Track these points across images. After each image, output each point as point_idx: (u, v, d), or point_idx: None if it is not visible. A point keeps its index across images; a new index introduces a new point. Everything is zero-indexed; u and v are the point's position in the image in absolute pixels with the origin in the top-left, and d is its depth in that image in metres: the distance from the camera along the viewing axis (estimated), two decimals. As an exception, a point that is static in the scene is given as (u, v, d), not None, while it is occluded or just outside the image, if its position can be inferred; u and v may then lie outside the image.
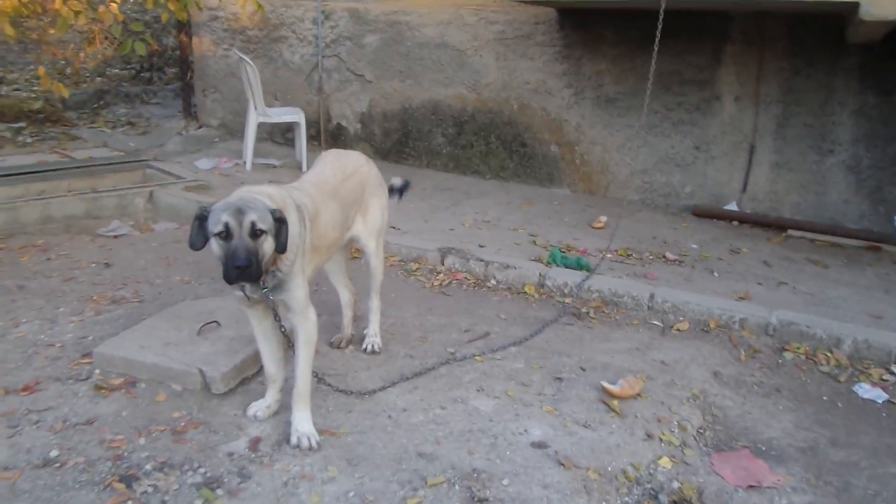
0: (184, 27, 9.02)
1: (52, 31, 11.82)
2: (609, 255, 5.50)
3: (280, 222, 2.75)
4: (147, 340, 3.63)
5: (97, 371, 3.49)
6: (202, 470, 2.85)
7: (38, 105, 9.29)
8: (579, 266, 5.12)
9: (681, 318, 4.52)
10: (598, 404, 3.47)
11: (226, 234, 2.65)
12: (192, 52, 9.15)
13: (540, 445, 3.12)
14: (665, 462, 3.07)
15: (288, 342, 3.15)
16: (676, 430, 3.32)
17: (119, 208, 6.25)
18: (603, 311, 4.64)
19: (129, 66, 11.96)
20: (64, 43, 12.03)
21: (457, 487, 2.81)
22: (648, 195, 7.00)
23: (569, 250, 5.58)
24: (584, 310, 4.64)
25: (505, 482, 2.85)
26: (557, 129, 7.21)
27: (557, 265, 5.13)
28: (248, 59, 7.35)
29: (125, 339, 3.64)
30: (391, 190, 4.06)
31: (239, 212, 2.65)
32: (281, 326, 3.09)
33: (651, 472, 3.01)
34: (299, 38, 8.38)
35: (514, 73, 7.29)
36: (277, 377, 3.23)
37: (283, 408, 3.22)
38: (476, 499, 2.74)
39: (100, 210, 6.12)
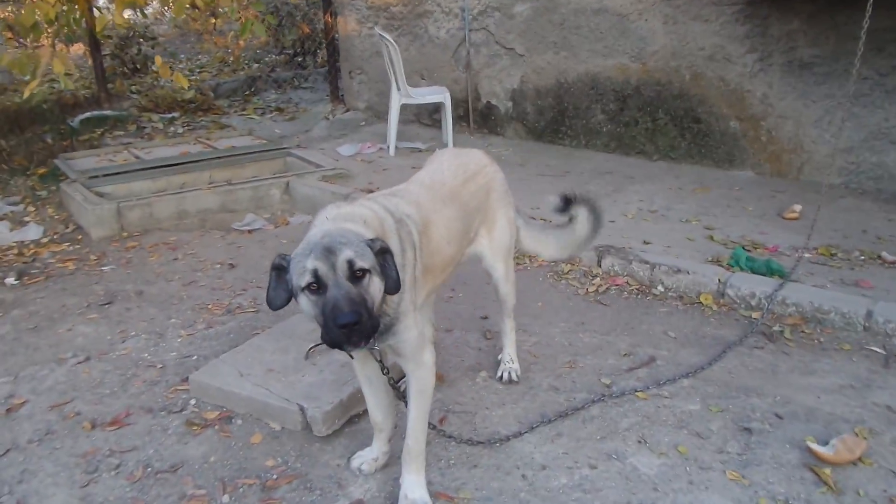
0: (329, 6, 8.68)
1: (213, 21, 12.03)
2: (807, 255, 4.47)
3: (383, 254, 2.13)
4: (249, 365, 3.17)
5: (192, 402, 3.08)
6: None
7: (191, 95, 9.34)
8: (770, 271, 4.15)
9: (911, 345, 3.49)
10: (804, 472, 2.60)
11: (317, 285, 2.01)
12: (337, 33, 8.80)
13: (723, 534, 2.32)
14: (904, 567, 2.18)
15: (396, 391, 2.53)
16: (920, 519, 2.40)
17: (254, 200, 5.95)
18: (802, 332, 3.68)
19: (283, 52, 11.93)
20: (224, 32, 12.23)
21: None
22: (854, 178, 5.78)
23: (755, 248, 4.60)
24: (777, 328, 3.71)
25: None
26: (738, 102, 6.13)
27: (742, 269, 4.20)
28: (389, 37, 6.83)
29: (225, 364, 3.19)
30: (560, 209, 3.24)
31: (328, 252, 2.01)
32: (388, 376, 2.47)
33: (887, 586, 2.13)
34: (444, 11, 7.76)
35: (686, 38, 6.26)
36: (385, 426, 2.64)
37: (393, 459, 2.64)
38: None
39: (235, 203, 5.86)
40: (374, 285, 2.08)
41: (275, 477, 2.62)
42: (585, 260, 4.52)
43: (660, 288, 4.20)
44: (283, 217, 5.83)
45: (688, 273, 4.14)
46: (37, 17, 3.81)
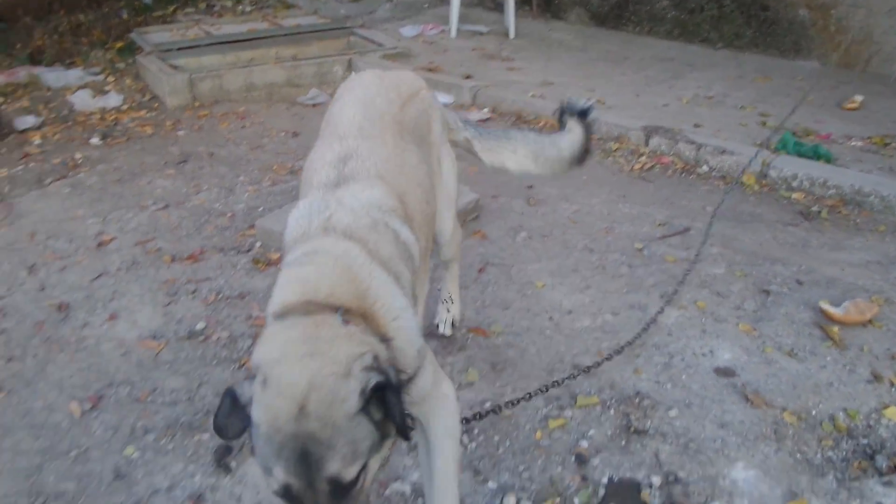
0: None
1: None
2: (858, 143, 4.49)
3: (384, 389, 1.38)
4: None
5: (258, 244, 3.42)
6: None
7: (259, -27, 9.43)
8: (816, 155, 4.21)
9: (946, 227, 3.56)
10: (813, 329, 2.80)
11: (288, 498, 1.36)
12: (404, -88, 8.70)
13: (725, 373, 2.56)
14: (892, 413, 2.39)
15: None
16: (918, 373, 2.59)
17: (318, 76, 6.16)
18: (840, 213, 3.78)
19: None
20: None
21: (611, 412, 2.37)
22: (924, 71, 5.65)
23: (806, 135, 4.62)
24: (815, 209, 3.81)
25: (672, 413, 2.36)
26: (810, -12, 5.97)
27: (788, 153, 4.26)
28: (454, -86, 6.78)
29: (286, 214, 3.50)
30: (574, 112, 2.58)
31: (304, 461, 1.32)
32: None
33: (871, 424, 2.35)
34: None
35: (761, -83, 6.06)
36: None
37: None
38: (632, 428, 2.30)
39: (300, 78, 6.08)
40: (370, 472, 1.44)
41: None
42: (633, 139, 4.63)
43: (704, 168, 4.31)
44: (345, 93, 6.04)
45: (732, 154, 4.23)
46: None
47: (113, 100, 5.70)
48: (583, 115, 2.56)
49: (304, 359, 1.35)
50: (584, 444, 2.24)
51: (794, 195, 3.96)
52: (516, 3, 7.32)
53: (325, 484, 1.33)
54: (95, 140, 4.84)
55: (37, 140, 4.85)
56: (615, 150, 4.61)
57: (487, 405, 2.39)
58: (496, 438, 2.27)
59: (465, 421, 2.20)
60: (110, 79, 6.20)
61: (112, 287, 3.08)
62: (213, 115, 5.38)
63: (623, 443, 2.25)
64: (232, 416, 1.44)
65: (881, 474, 2.16)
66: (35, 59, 6.48)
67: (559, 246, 3.45)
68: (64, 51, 6.70)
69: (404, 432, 1.42)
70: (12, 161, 4.52)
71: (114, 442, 2.28)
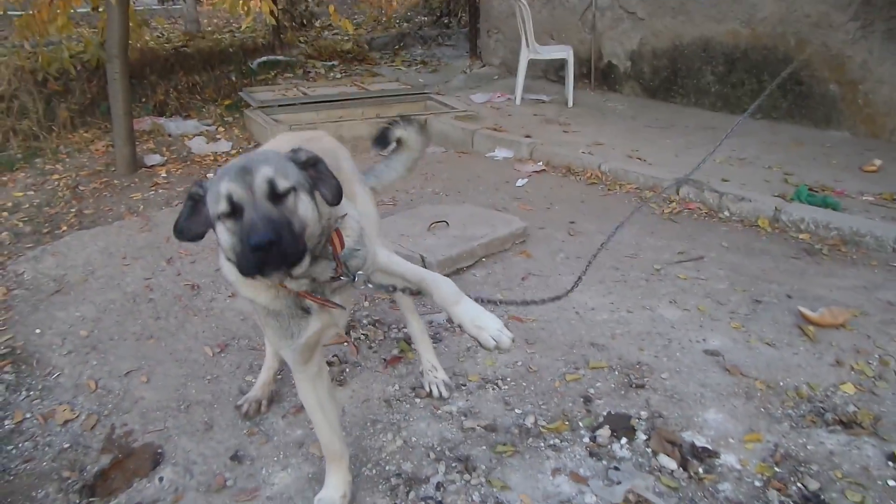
0: (473, -28, 9.69)
1: (370, -16, 13.30)
2: (870, 198, 5.08)
3: (314, 165, 1.86)
4: (387, 231, 4.27)
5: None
6: (405, 330, 3.39)
7: (348, 46, 10.65)
8: (825, 204, 4.82)
9: (931, 263, 4.12)
10: (792, 328, 3.41)
11: (231, 211, 1.72)
12: (479, -4, 9.80)
13: (713, 354, 3.19)
14: (848, 388, 2.97)
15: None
16: (875, 364, 3.15)
17: (397, 133, 7.08)
18: (840, 250, 4.38)
19: (431, 12, 13.07)
20: (379, -7, 13.52)
21: (616, 373, 3.03)
22: (944, 140, 6.19)
23: (823, 191, 5.24)
24: (817, 246, 4.42)
25: (664, 375, 3.01)
26: (839, 67, 6.62)
27: (801, 202, 4.89)
28: (521, -2, 7.76)
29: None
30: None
31: (244, 172, 1.73)
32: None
33: (828, 394, 2.94)
34: (575, -23, 8.58)
35: (793, 5, 6.79)
36: (344, 453, 2.36)
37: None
38: (632, 384, 2.95)
39: (381, 133, 7.01)
40: (303, 204, 1.78)
41: (399, 296, 3.71)
42: (666, 188, 5.33)
43: (726, 213, 4.97)
44: (419, 148, 6.93)
45: (750, 201, 4.89)
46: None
47: (223, 146, 6.72)
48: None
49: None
50: (592, 391, 2.91)
51: (801, 235, 4.57)
52: (576, 76, 8.19)
53: (263, 183, 1.69)
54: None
55: (163, 174, 5.87)
56: (650, 198, 5.31)
57: (519, 364, 3.09)
58: (524, 384, 2.96)
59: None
60: (220, 129, 7.27)
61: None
62: (307, 160, 6.31)
63: (623, 392, 2.90)
64: (192, 218, 1.83)
65: (828, 425, 2.75)
66: (158, 111, 7.64)
67: (591, 265, 4.13)
68: (182, 105, 7.87)
69: (335, 197, 1.83)
70: (145, 188, 5.51)
71: (237, 372, 3.06)
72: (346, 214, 2.03)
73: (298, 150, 1.87)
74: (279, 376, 2.96)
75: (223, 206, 1.71)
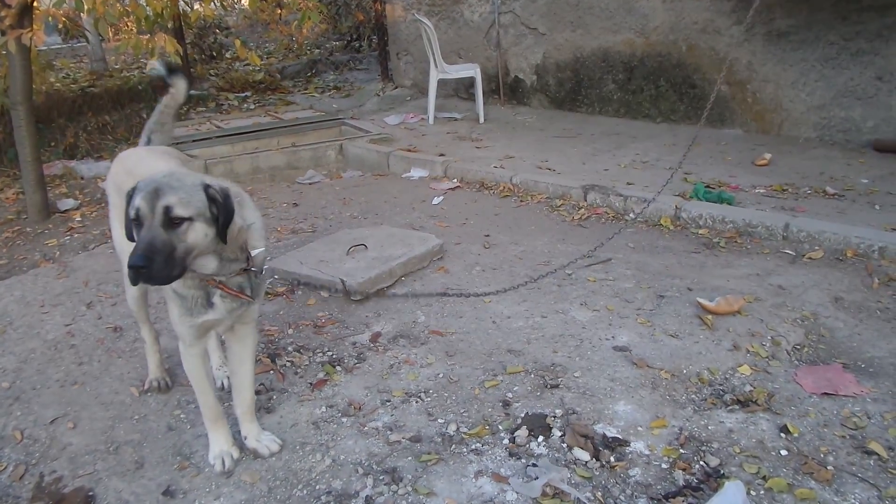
0: (379, -4, 9.88)
1: (279, 12, 13.35)
2: (762, 190, 5.44)
3: (222, 200, 2.21)
4: (306, 258, 4.37)
5: (268, 280, 4.29)
6: (329, 353, 3.50)
7: (260, 77, 10.68)
8: (720, 199, 5.15)
9: (816, 248, 4.45)
10: (693, 319, 3.65)
11: (138, 222, 2.13)
12: (386, 19, 9.99)
13: (621, 349, 3.40)
14: (745, 370, 3.22)
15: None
16: (768, 345, 3.42)
17: (314, 160, 7.18)
18: (735, 242, 4.68)
19: (340, 37, 13.20)
20: (288, 22, 13.55)
21: (532, 376, 3.20)
22: (826, 132, 6.66)
23: (719, 186, 5.57)
24: (715, 240, 4.72)
25: (577, 374, 3.19)
26: (727, 69, 7.03)
27: (699, 199, 5.20)
28: (425, 20, 7.97)
29: (290, 257, 4.41)
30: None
31: (154, 194, 2.11)
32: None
33: (727, 377, 3.18)
34: (477, -3, 8.87)
35: (682, 14, 7.21)
36: (223, 414, 2.79)
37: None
38: (547, 385, 3.12)
39: (298, 161, 7.10)
40: (196, 232, 2.15)
41: (322, 321, 3.81)
42: (574, 196, 5.59)
43: (631, 215, 5.24)
44: (337, 173, 7.04)
45: (653, 202, 5.17)
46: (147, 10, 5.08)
47: (138, 185, 6.67)
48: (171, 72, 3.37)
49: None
50: (510, 395, 3.07)
51: (701, 231, 4.87)
52: (485, 93, 8.45)
53: (161, 209, 2.08)
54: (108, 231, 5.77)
55: (77, 217, 5.81)
56: (560, 206, 5.55)
57: (440, 376, 3.23)
58: (445, 394, 3.10)
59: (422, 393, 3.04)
60: (134, 169, 7.20)
61: (153, 314, 3.93)
62: (225, 193, 6.34)
63: (539, 393, 3.07)
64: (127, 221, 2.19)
65: (727, 406, 2.98)
66: (69, 154, 7.53)
67: (506, 275, 4.33)
68: (93, 146, 7.78)
69: (224, 227, 2.19)
70: (60, 234, 5.46)
71: (165, 409, 3.10)
72: (253, 223, 2.47)
73: (215, 185, 2.22)
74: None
75: (132, 215, 2.12)
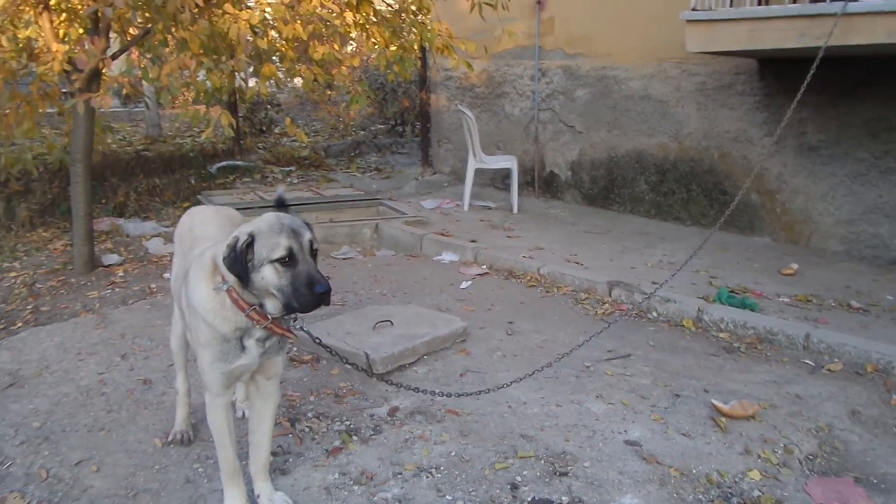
0: (425, 84, 10.33)
1: (329, 93, 13.95)
2: (786, 299, 5.50)
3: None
4: (334, 329, 4.52)
5: (294, 349, 4.44)
6: (348, 422, 3.60)
7: (305, 153, 11.12)
8: (743, 305, 5.22)
9: (835, 360, 4.49)
10: (707, 420, 3.70)
11: (289, 259, 2.39)
12: (430, 107, 10.42)
13: (633, 444, 3.45)
14: (755, 475, 3.24)
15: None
16: (780, 452, 3.44)
17: (350, 236, 7.42)
18: (755, 348, 4.73)
19: (385, 121, 13.71)
20: (337, 103, 14.15)
21: (542, 462, 3.26)
22: (854, 246, 6.74)
23: (744, 292, 5.65)
24: (736, 344, 4.77)
25: (586, 464, 3.25)
26: (758, 178, 7.21)
27: (722, 303, 5.28)
28: (467, 111, 8.32)
29: (318, 327, 4.54)
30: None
31: (296, 233, 2.43)
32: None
33: (736, 480, 3.20)
34: (519, 93, 9.25)
35: (715, 122, 7.46)
36: (240, 470, 2.91)
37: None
38: (556, 472, 3.18)
39: (334, 237, 7.34)
40: (316, 262, 2.52)
41: (344, 391, 3.93)
42: (599, 290, 5.70)
43: (654, 314, 5.33)
44: (371, 250, 7.26)
45: (675, 303, 5.26)
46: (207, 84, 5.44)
47: (180, 246, 6.94)
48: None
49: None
50: (518, 478, 3.13)
51: (721, 334, 4.93)
52: (520, 184, 8.71)
53: (308, 243, 2.43)
54: (167, 275, 6.01)
55: (120, 273, 6.06)
56: (584, 300, 5.66)
57: (453, 454, 3.30)
58: (456, 472, 3.17)
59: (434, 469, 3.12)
60: (178, 231, 7.50)
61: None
62: (261, 261, 6.57)
63: (547, 479, 3.13)
64: (237, 261, 2.40)
65: (732, 509, 3.01)
66: (118, 212, 7.88)
67: (525, 362, 4.42)
68: (141, 206, 8.12)
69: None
70: (101, 287, 5.69)
71: (185, 462, 3.21)
72: None
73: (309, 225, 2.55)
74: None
75: (281, 253, 2.37)
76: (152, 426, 3.54)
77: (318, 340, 3.09)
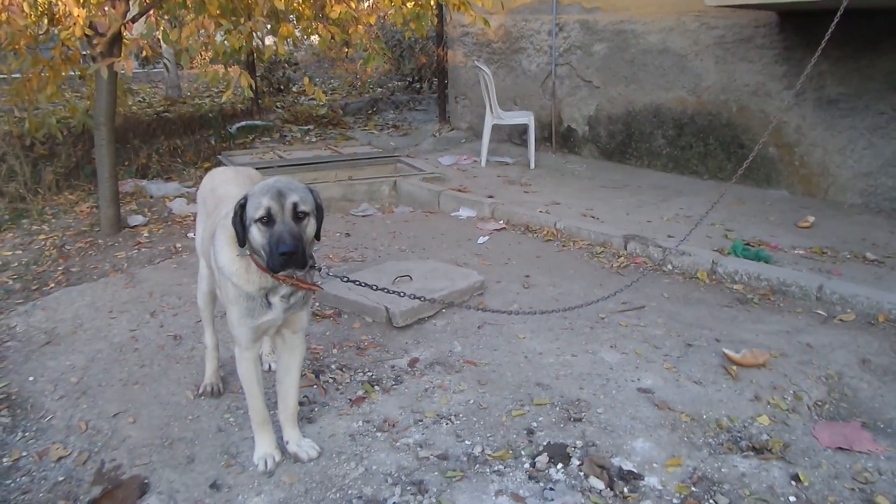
0: (442, 41, 10.30)
1: (346, 51, 13.93)
2: (801, 252, 5.55)
3: (319, 206, 2.65)
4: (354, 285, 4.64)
5: (316, 304, 4.58)
6: (370, 373, 3.75)
7: (323, 111, 11.17)
8: (758, 258, 5.28)
9: (848, 310, 4.55)
10: (718, 368, 3.80)
11: (267, 219, 2.47)
12: (447, 64, 10.39)
13: (645, 391, 3.57)
14: (763, 420, 3.35)
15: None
16: (790, 398, 3.54)
17: (368, 193, 7.52)
18: (768, 299, 4.81)
19: (402, 78, 13.69)
20: (354, 60, 14.13)
21: (557, 408, 3.39)
22: (872, 199, 6.73)
23: (759, 245, 5.70)
24: (749, 296, 4.85)
25: (600, 410, 3.37)
26: (776, 131, 7.19)
27: (736, 255, 5.34)
28: (484, 67, 8.32)
29: (338, 283, 4.68)
30: None
31: (280, 194, 2.47)
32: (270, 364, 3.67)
33: (745, 425, 3.31)
34: (536, 48, 9.20)
35: (734, 75, 7.41)
36: (269, 418, 3.05)
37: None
38: (570, 418, 3.31)
39: (353, 194, 7.44)
40: (311, 226, 2.57)
41: (365, 344, 4.07)
42: (615, 244, 5.78)
43: (669, 266, 5.40)
44: (389, 207, 7.36)
45: (690, 255, 5.33)
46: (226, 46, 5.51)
47: (203, 207, 7.08)
48: None
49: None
50: (534, 424, 3.26)
51: (736, 286, 5.01)
52: (538, 140, 8.73)
53: (290, 205, 2.47)
54: (192, 234, 6.16)
55: (145, 233, 6.21)
56: (600, 253, 5.74)
57: (471, 402, 3.44)
58: (474, 419, 3.30)
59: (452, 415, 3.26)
60: (200, 191, 7.63)
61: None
62: (282, 220, 6.70)
63: (562, 425, 3.25)
64: (236, 221, 2.53)
65: (742, 451, 3.12)
66: (141, 174, 8.02)
67: (542, 316, 4.52)
68: (163, 168, 8.26)
69: (318, 235, 2.63)
70: (128, 247, 5.85)
71: (216, 412, 3.38)
72: None
73: (316, 191, 2.64)
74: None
75: (261, 213, 2.46)
76: (184, 379, 3.70)
77: (346, 278, 3.32)
